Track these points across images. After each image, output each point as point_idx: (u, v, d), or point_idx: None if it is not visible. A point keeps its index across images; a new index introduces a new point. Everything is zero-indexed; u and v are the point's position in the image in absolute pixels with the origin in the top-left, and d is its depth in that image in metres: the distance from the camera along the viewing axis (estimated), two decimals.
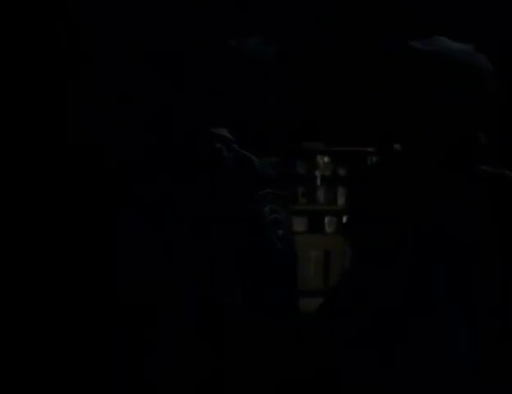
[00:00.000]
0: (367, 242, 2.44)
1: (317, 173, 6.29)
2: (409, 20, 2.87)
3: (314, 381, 2.47)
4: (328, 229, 6.22)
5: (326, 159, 6.33)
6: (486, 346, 2.30)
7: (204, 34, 2.91)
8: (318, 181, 6.28)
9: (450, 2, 2.75)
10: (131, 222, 2.68)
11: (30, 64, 2.71)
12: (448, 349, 2.29)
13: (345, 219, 2.92)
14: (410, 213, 2.34)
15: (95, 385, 2.53)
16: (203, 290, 2.58)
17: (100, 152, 2.73)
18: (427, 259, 2.32)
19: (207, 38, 2.85)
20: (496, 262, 2.31)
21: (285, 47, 2.97)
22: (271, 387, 2.62)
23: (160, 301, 2.57)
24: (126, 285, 2.59)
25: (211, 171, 2.68)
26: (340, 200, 6.27)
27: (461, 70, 2.31)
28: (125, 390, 2.46)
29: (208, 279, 2.57)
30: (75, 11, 2.74)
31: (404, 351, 2.31)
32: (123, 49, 2.75)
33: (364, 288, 2.39)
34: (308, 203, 6.27)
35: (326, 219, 6.23)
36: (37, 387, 2.51)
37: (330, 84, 4.43)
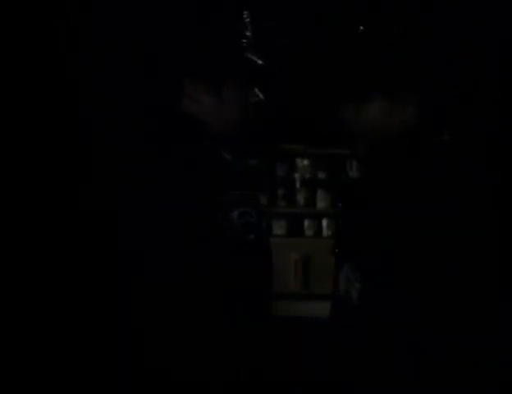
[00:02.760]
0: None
1: (297, 176, 6.29)
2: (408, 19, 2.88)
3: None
4: (308, 232, 6.23)
5: (305, 162, 6.33)
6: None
7: (202, 33, 2.90)
8: (298, 184, 6.28)
9: (451, 2, 2.77)
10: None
11: (30, 64, 2.69)
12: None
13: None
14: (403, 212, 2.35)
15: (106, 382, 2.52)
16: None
17: (100, 152, 2.71)
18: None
19: (204, 38, 2.84)
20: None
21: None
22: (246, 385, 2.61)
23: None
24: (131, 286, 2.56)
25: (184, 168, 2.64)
26: (320, 203, 6.29)
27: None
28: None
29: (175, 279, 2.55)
30: (75, 11, 2.72)
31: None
32: (123, 49, 2.74)
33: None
34: (287, 206, 6.28)
35: (306, 222, 6.23)
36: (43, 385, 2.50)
37: (310, 85, 4.43)
